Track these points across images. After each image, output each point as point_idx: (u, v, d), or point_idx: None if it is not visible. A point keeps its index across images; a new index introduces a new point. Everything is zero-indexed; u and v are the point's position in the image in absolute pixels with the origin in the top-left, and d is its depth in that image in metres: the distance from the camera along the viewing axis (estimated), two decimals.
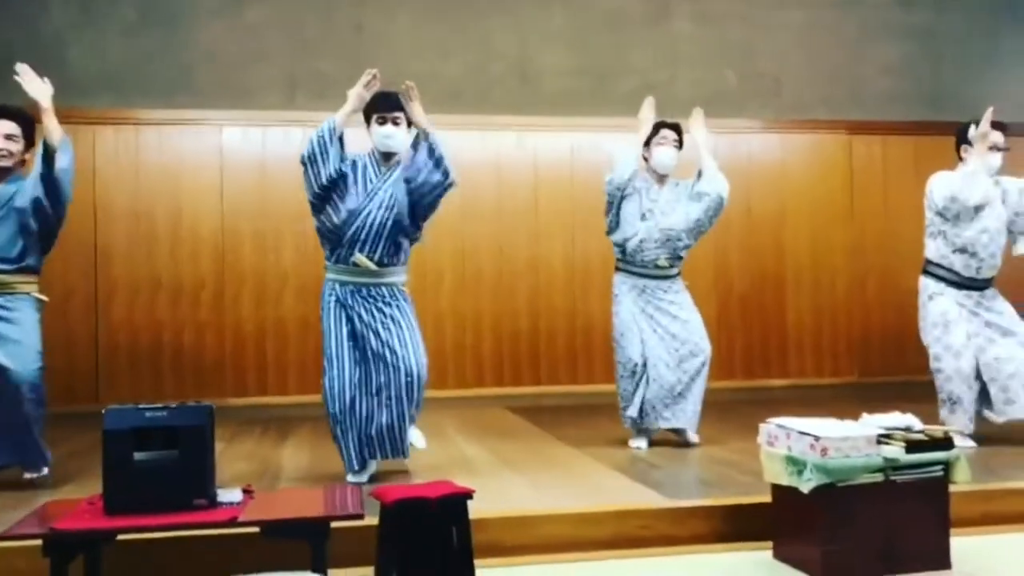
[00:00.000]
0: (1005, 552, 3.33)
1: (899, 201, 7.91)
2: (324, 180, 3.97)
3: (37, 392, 3.96)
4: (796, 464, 3.13)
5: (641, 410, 4.79)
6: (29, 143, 4.22)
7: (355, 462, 4.01)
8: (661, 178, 4.93)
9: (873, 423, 3.28)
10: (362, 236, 4.00)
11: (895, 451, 3.11)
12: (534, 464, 4.43)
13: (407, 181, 4.05)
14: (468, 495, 2.45)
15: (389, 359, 3.95)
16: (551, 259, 7.49)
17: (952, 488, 3.22)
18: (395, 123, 4.05)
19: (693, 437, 4.87)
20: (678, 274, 4.96)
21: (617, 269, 5.02)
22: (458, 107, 7.33)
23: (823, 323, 7.87)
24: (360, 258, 3.99)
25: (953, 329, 4.71)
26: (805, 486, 3.06)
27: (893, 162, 7.97)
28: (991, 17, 8.14)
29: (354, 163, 4.09)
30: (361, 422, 3.98)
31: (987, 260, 4.73)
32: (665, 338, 4.81)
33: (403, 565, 2.34)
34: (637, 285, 4.88)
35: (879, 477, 3.11)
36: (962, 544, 3.26)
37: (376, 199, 4.02)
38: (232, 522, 2.56)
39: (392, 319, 4.01)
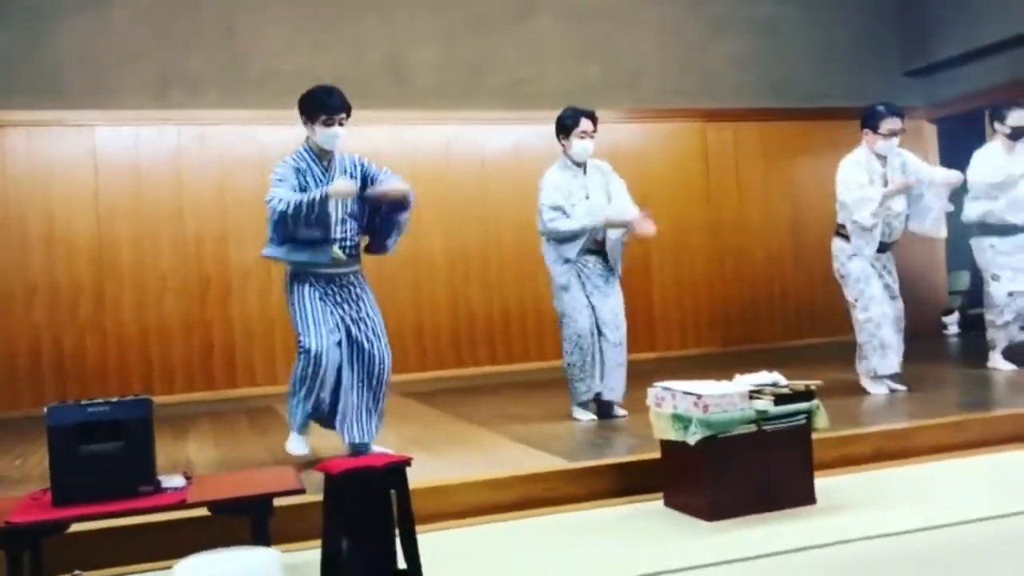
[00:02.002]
0: (860, 488, 3.83)
1: (750, 183, 8.58)
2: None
3: None
4: (682, 421, 3.53)
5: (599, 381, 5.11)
6: None
7: (304, 425, 4.24)
8: (581, 166, 5.19)
9: (745, 381, 3.71)
10: (332, 233, 4.20)
11: (765, 404, 3.55)
12: (440, 442, 4.73)
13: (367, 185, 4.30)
14: (407, 462, 2.71)
15: (366, 347, 4.27)
16: (431, 250, 7.73)
17: (814, 435, 3.70)
18: (340, 124, 4.21)
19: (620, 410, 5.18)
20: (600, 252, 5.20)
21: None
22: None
23: (685, 298, 8.44)
24: (333, 250, 4.19)
25: (873, 282, 5.38)
26: (691, 439, 3.46)
27: (744, 147, 8.63)
28: (825, 11, 8.89)
29: (298, 170, 4.21)
30: (334, 388, 4.18)
31: (895, 226, 5.44)
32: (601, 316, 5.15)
33: (352, 532, 2.58)
34: (578, 270, 5.14)
35: (752, 428, 3.54)
36: (824, 483, 3.75)
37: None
38: (181, 504, 2.73)
39: (367, 310, 4.34)
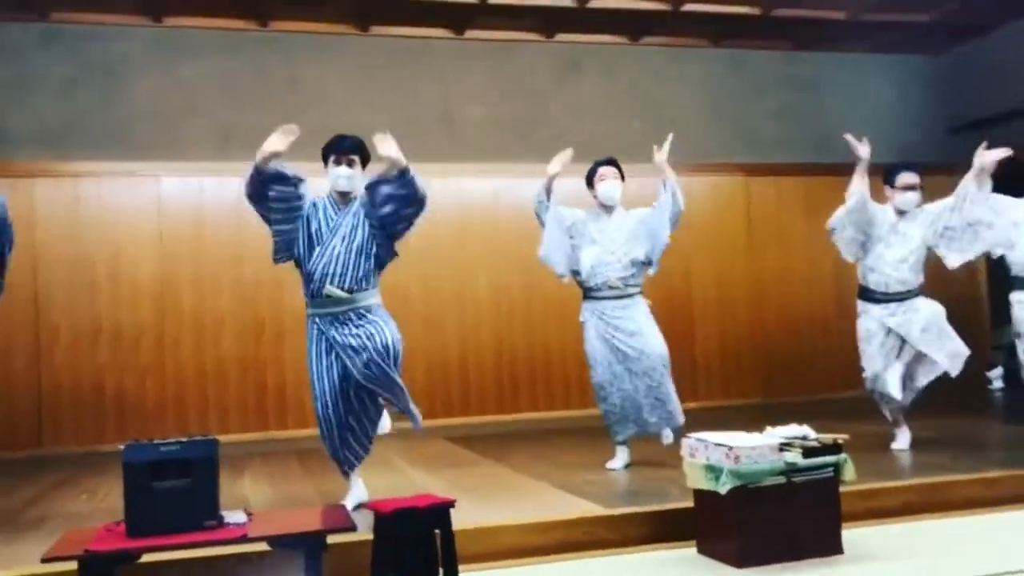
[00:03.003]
0: (887, 540, 3.94)
1: (792, 236, 8.73)
2: (270, 191, 4.24)
3: None
4: (714, 471, 3.69)
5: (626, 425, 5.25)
6: None
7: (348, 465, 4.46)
8: (609, 209, 5.37)
9: (776, 434, 3.86)
10: (329, 270, 4.34)
11: (794, 456, 3.69)
12: (482, 486, 4.91)
13: (379, 213, 4.35)
14: (451, 504, 2.91)
15: (363, 352, 4.25)
16: (477, 294, 7.99)
17: (842, 487, 3.82)
18: (350, 164, 4.36)
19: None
20: (633, 295, 5.29)
21: (584, 298, 5.39)
22: None
23: (728, 350, 8.57)
24: (331, 289, 4.32)
25: (874, 341, 5.54)
26: (722, 489, 3.62)
27: (786, 201, 8.79)
28: (867, 68, 9.07)
29: (314, 204, 4.40)
30: (339, 438, 4.38)
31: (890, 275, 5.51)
32: (627, 354, 5.21)
33: (399, 568, 2.78)
34: (596, 311, 5.28)
35: (782, 479, 3.69)
36: (852, 534, 3.86)
37: (338, 234, 4.33)
38: (243, 539, 2.95)
39: (363, 326, 4.32)
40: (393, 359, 4.29)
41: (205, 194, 7.47)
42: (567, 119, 8.30)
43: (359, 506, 4.27)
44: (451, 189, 8.02)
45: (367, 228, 4.36)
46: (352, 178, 4.39)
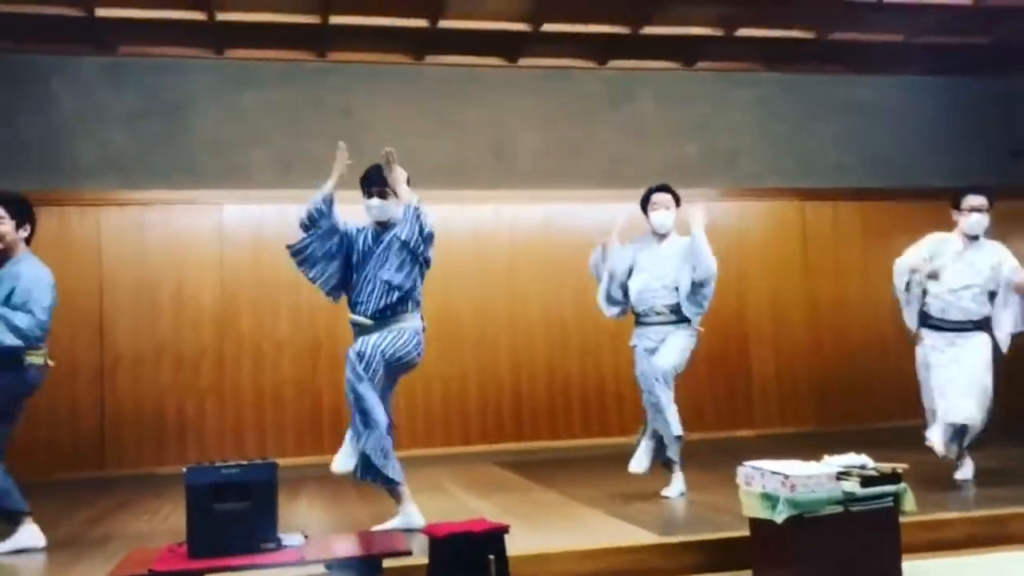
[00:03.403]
0: (949, 572, 3.86)
1: (849, 262, 8.62)
2: (321, 234, 4.49)
3: None
4: (770, 499, 3.65)
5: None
6: (21, 221, 4.43)
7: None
8: (661, 236, 5.45)
9: (833, 463, 3.81)
10: (360, 298, 4.48)
11: (852, 486, 3.64)
12: (536, 512, 4.91)
13: (401, 240, 4.47)
14: (505, 529, 2.93)
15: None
16: (529, 320, 8.02)
17: (902, 518, 3.76)
18: (380, 195, 4.55)
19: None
20: (678, 322, 5.32)
21: (635, 323, 5.49)
22: (439, 183, 7.87)
23: (784, 376, 8.47)
24: (353, 318, 4.48)
25: (934, 372, 5.47)
26: (779, 517, 3.58)
27: (842, 226, 8.69)
28: (925, 90, 8.94)
29: (359, 230, 4.60)
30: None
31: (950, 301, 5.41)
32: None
33: None
34: (642, 333, 5.38)
35: (839, 508, 3.63)
36: (913, 566, 3.79)
37: (371, 261, 4.50)
38: (299, 561, 3.00)
39: (372, 345, 4.40)
40: (364, 365, 4.32)
41: (265, 221, 7.62)
42: (620, 145, 8.32)
43: (411, 529, 4.30)
44: (503, 216, 8.08)
45: (398, 255, 4.46)
46: (384, 208, 4.56)
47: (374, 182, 4.56)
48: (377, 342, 4.34)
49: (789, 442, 7.48)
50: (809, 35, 8.00)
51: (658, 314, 5.34)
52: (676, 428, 5.23)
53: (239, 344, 7.48)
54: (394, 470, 4.33)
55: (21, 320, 4.24)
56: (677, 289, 5.32)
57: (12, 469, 4.55)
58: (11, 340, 4.22)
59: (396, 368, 4.44)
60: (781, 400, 8.46)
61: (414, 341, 4.47)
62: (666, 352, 5.28)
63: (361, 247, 4.58)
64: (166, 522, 5.01)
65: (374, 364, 4.31)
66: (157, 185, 7.48)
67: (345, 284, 4.61)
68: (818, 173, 8.67)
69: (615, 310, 5.52)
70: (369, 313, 4.45)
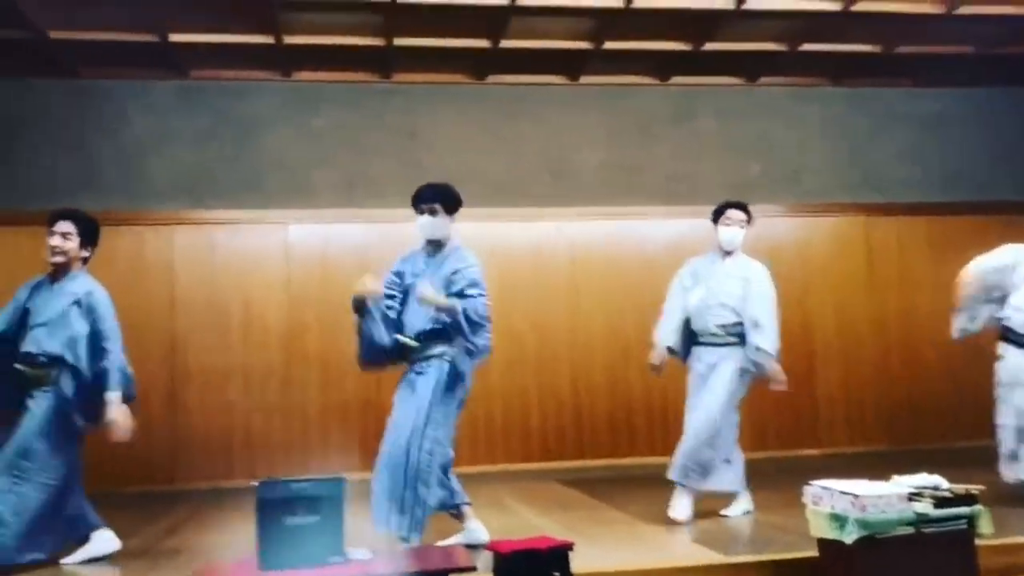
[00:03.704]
0: None
1: (916, 278, 8.44)
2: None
3: None
4: (839, 520, 3.59)
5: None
6: (85, 241, 4.54)
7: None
8: (727, 253, 5.29)
9: (904, 483, 3.74)
10: (405, 320, 4.48)
11: (925, 507, 3.56)
12: (599, 530, 4.89)
13: (454, 292, 4.39)
14: (570, 547, 2.94)
15: (392, 431, 4.33)
16: (590, 337, 8.01)
17: (978, 541, 3.66)
18: (432, 213, 4.49)
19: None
20: (734, 344, 5.14)
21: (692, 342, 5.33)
22: (499, 201, 7.96)
23: (851, 394, 8.31)
24: (398, 337, 4.45)
25: (1018, 391, 5.20)
26: (848, 538, 3.52)
27: (909, 242, 8.52)
28: (993, 103, 8.75)
29: (405, 259, 4.60)
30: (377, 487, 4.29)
31: None
32: (695, 407, 5.16)
33: None
34: (696, 354, 5.24)
35: (911, 530, 3.56)
36: None
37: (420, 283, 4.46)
38: None
39: (414, 390, 4.36)
40: (404, 469, 4.17)
41: (330, 240, 7.76)
42: (682, 162, 8.30)
43: (475, 546, 4.31)
44: (564, 233, 8.10)
45: (444, 285, 4.41)
46: (436, 226, 4.51)
47: (425, 200, 4.52)
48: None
49: (856, 461, 7.35)
50: (876, 49, 7.90)
51: (712, 334, 5.18)
52: (736, 485, 5.14)
53: (305, 361, 7.61)
54: (456, 493, 4.35)
55: (125, 364, 4.44)
56: (735, 311, 5.15)
57: (87, 480, 4.67)
58: (129, 391, 4.42)
59: None
60: (847, 418, 8.31)
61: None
62: (712, 397, 5.08)
63: (411, 268, 4.55)
64: (235, 535, 5.10)
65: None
66: (226, 205, 7.67)
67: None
68: (883, 188, 8.54)
69: (673, 339, 5.28)
70: (413, 334, 4.42)
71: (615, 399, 7.98)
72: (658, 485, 6.67)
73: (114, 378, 4.36)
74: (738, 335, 5.15)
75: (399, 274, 4.58)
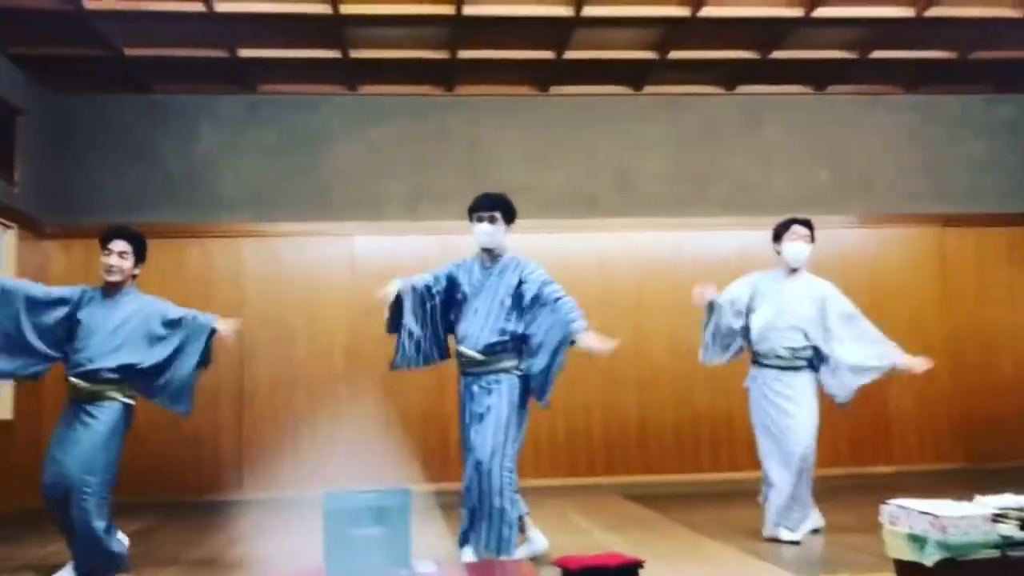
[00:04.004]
0: None
1: (993, 290, 8.17)
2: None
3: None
4: (918, 541, 3.46)
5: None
6: (139, 259, 4.60)
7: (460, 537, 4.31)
8: (792, 270, 5.11)
9: (987, 503, 3.59)
10: (465, 332, 4.40)
11: (1011, 529, 3.41)
12: (667, 547, 4.79)
13: (521, 291, 4.37)
14: (639, 564, 2.87)
15: (473, 449, 4.24)
16: (656, 352, 7.90)
17: None
18: (491, 221, 4.43)
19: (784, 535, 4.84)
20: (804, 368, 5.00)
21: (752, 360, 5.15)
22: (563, 212, 7.92)
23: (924, 410, 8.06)
24: (460, 349, 4.38)
25: None
26: (928, 560, 3.38)
27: (986, 253, 8.25)
28: None
29: (460, 265, 4.55)
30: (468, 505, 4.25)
31: None
32: (776, 434, 4.94)
33: None
34: (760, 377, 5.03)
35: (996, 553, 3.40)
36: None
37: (480, 295, 4.43)
38: None
39: (488, 407, 4.28)
40: (486, 484, 4.16)
41: (394, 252, 7.79)
42: (749, 172, 8.17)
43: (537, 556, 4.25)
44: (628, 244, 8.02)
45: (512, 296, 4.37)
46: (493, 234, 4.45)
47: (483, 208, 4.47)
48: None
49: (931, 479, 7.14)
50: (951, 55, 7.67)
51: (779, 357, 4.98)
52: (811, 523, 4.97)
53: (369, 373, 7.64)
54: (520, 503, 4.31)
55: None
56: (806, 334, 4.98)
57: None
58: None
59: None
60: (920, 435, 8.07)
61: None
62: (806, 416, 4.92)
63: (468, 278, 4.50)
64: (301, 546, 5.12)
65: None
66: (292, 217, 7.77)
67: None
68: (959, 198, 8.29)
69: (722, 357, 5.17)
70: (480, 347, 4.36)
71: (680, 414, 7.86)
72: (724, 501, 6.58)
73: (204, 319, 4.55)
74: (807, 359, 4.99)
75: (451, 279, 4.54)
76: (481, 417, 4.24)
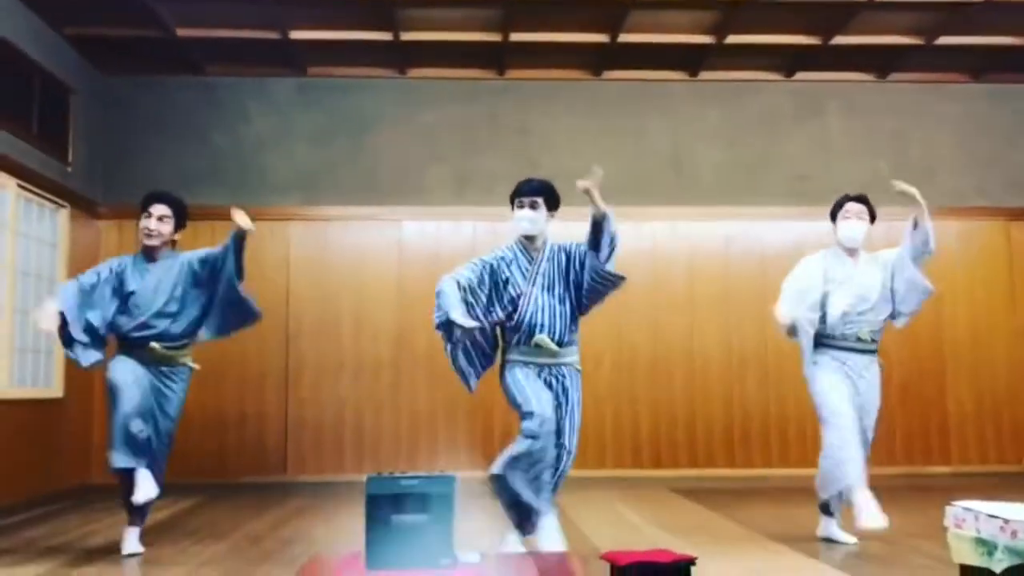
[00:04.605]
0: None
1: None
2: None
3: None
4: (986, 545, 3.28)
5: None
6: (179, 224, 4.60)
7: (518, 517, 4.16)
8: (851, 251, 4.84)
9: None
10: (538, 320, 4.23)
11: None
12: (718, 544, 4.64)
13: (572, 263, 4.23)
14: (692, 561, 2.75)
15: (558, 436, 4.13)
16: (706, 345, 7.74)
17: None
18: (532, 207, 4.23)
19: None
20: (876, 352, 4.77)
21: (817, 345, 4.83)
22: (614, 199, 7.63)
23: (985, 410, 7.80)
24: (541, 338, 4.19)
25: None
26: (997, 566, 3.21)
27: None
28: None
29: (503, 258, 4.30)
30: (541, 467, 4.08)
31: None
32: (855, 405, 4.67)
33: None
34: (838, 358, 4.75)
35: None
36: None
37: (538, 283, 4.24)
38: None
39: (572, 401, 4.20)
40: (566, 468, 4.17)
41: (442, 237, 7.73)
42: (806, 160, 7.95)
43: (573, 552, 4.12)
44: (681, 234, 7.86)
45: (565, 279, 4.26)
46: (535, 221, 4.25)
47: (526, 193, 4.29)
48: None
49: (991, 481, 6.90)
50: (1018, 40, 7.38)
51: (860, 340, 4.72)
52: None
53: (415, 358, 7.59)
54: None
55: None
56: (883, 313, 4.74)
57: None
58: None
59: None
60: (980, 435, 7.80)
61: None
62: (874, 399, 4.70)
63: (516, 268, 4.27)
64: (343, 529, 5.08)
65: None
66: (340, 201, 7.74)
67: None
68: None
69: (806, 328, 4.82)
70: (556, 338, 4.21)
71: (730, 408, 7.70)
72: (774, 498, 6.41)
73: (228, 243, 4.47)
74: (877, 340, 4.80)
75: (494, 272, 4.27)
76: (555, 403, 4.16)
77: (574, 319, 4.29)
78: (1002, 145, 8.04)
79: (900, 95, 8.07)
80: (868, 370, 4.75)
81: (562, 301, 4.25)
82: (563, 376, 4.23)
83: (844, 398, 4.62)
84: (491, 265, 4.32)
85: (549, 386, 4.20)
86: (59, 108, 7.10)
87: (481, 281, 4.25)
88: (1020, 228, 7.96)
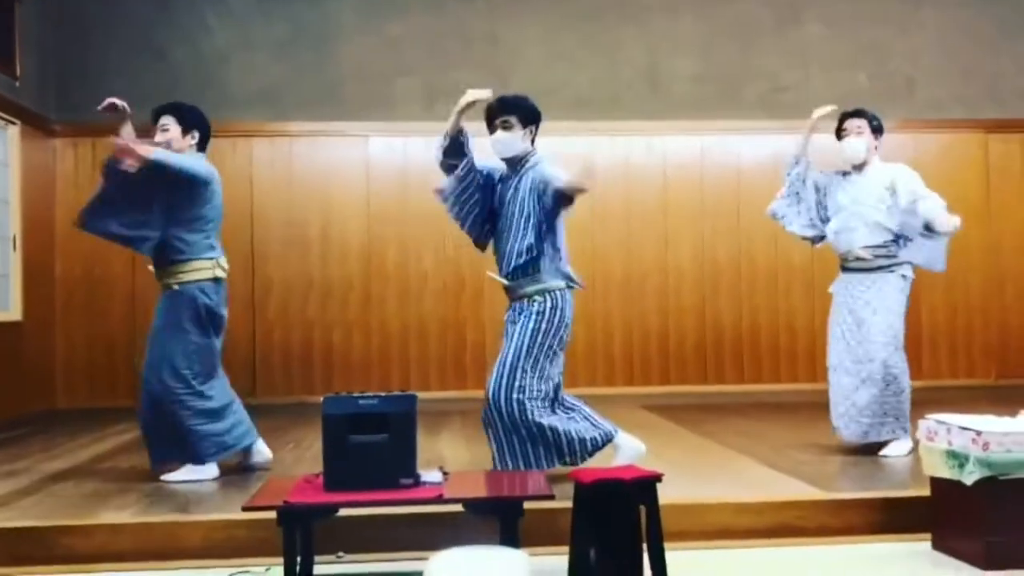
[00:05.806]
0: None
1: None
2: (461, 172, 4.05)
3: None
4: (957, 458, 3.24)
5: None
6: (187, 127, 4.40)
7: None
8: (858, 167, 4.71)
9: None
10: (499, 253, 4.06)
11: None
12: (686, 459, 4.62)
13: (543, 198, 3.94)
14: (658, 478, 2.68)
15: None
16: (680, 261, 7.64)
17: None
18: (504, 127, 4.01)
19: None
20: (885, 268, 4.62)
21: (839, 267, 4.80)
22: (588, 113, 7.57)
23: (958, 323, 7.80)
24: (492, 275, 4.08)
25: None
26: (968, 479, 3.17)
27: None
28: None
29: (498, 176, 4.14)
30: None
31: None
32: (848, 341, 4.62)
33: (600, 542, 2.58)
34: (844, 282, 4.70)
35: None
36: None
37: (503, 213, 4.05)
38: (438, 499, 2.84)
39: (509, 337, 3.98)
40: (494, 414, 3.94)
41: (410, 153, 7.51)
42: (784, 72, 7.74)
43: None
44: (655, 148, 7.69)
45: (531, 205, 3.95)
46: (508, 142, 4.02)
47: (499, 112, 4.04)
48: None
49: (961, 395, 6.92)
50: None
51: (860, 259, 4.61)
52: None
53: (384, 277, 7.46)
54: None
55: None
56: (885, 227, 4.59)
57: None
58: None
59: None
60: (952, 349, 7.82)
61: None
62: (878, 331, 4.55)
63: (501, 189, 4.08)
64: (310, 451, 5.02)
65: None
66: (304, 116, 7.48)
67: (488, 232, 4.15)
68: (1007, 102, 7.85)
69: (811, 232, 4.79)
70: (509, 270, 4.03)
71: (703, 325, 7.64)
72: (748, 414, 6.40)
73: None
74: (888, 256, 4.62)
75: (490, 178, 4.13)
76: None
77: (527, 246, 3.95)
78: (983, 54, 7.86)
79: (881, 3, 7.84)
80: (872, 293, 4.59)
81: (519, 233, 3.97)
82: (516, 310, 4.01)
83: (835, 351, 4.66)
84: (500, 175, 4.13)
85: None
86: (3, 18, 6.75)
87: (489, 176, 4.12)
88: (998, 141, 7.85)
